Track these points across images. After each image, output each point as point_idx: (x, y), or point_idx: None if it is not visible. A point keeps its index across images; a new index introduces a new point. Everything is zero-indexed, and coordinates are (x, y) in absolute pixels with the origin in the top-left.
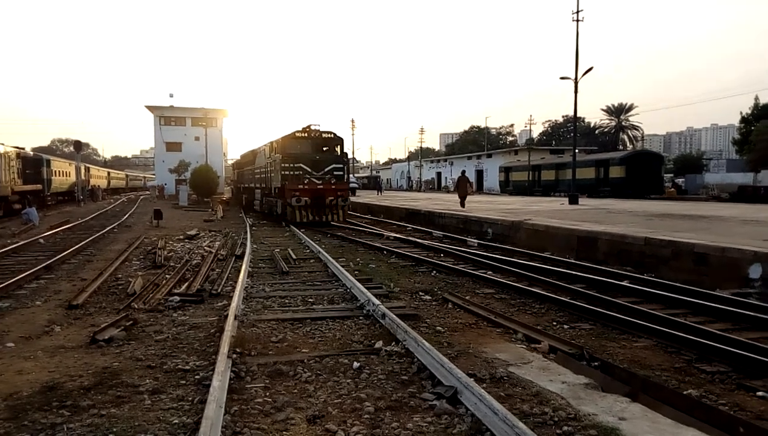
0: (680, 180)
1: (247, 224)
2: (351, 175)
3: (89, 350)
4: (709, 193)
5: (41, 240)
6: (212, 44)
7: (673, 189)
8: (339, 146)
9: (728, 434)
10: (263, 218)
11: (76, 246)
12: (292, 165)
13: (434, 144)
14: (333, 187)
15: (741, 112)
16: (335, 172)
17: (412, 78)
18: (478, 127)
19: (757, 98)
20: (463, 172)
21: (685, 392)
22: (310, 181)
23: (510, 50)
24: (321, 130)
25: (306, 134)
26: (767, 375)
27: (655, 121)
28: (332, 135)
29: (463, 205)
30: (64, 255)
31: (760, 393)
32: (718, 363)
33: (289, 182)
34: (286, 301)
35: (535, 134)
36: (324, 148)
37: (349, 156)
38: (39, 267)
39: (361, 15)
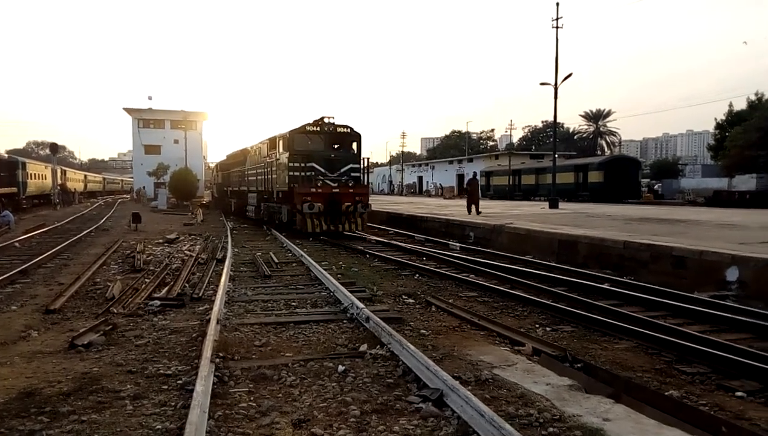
0: (657, 185)
1: (228, 228)
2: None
3: (68, 355)
4: (685, 197)
5: (16, 244)
6: (191, 47)
7: (650, 194)
8: (356, 143)
9: (710, 434)
10: (244, 222)
11: (53, 250)
12: (302, 164)
13: (416, 148)
14: (350, 191)
15: (716, 119)
16: (352, 174)
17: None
18: (459, 131)
19: (731, 105)
20: (475, 174)
21: (666, 393)
22: (323, 183)
23: (491, 56)
24: (336, 123)
25: (318, 128)
26: (745, 376)
27: (632, 127)
28: (348, 130)
29: (477, 211)
30: (41, 259)
31: (738, 393)
32: (697, 364)
33: (298, 185)
34: (269, 305)
35: (516, 139)
36: (339, 145)
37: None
38: (14, 271)
39: (343, 19)
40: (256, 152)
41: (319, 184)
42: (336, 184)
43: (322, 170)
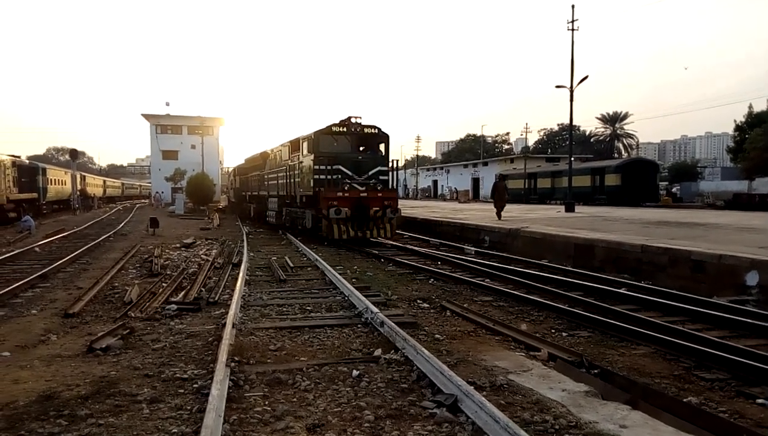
0: (675, 188)
1: (244, 233)
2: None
3: (86, 358)
4: (704, 200)
5: (37, 249)
6: (208, 54)
7: (668, 197)
8: (384, 144)
9: None
10: (260, 227)
11: (72, 255)
12: (328, 167)
13: (430, 152)
14: (379, 195)
15: (735, 120)
16: (381, 177)
17: (408, 87)
18: (474, 135)
19: (751, 106)
20: (501, 177)
21: (685, 400)
22: (351, 187)
23: (505, 59)
24: (363, 123)
25: (345, 129)
26: (766, 382)
27: (650, 129)
28: (376, 130)
29: (499, 216)
30: (60, 264)
31: (759, 400)
32: (717, 370)
33: (324, 189)
34: (284, 309)
35: (531, 142)
36: (366, 147)
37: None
38: (34, 276)
39: (359, 25)
40: (277, 155)
41: (346, 188)
42: (364, 188)
43: (349, 173)
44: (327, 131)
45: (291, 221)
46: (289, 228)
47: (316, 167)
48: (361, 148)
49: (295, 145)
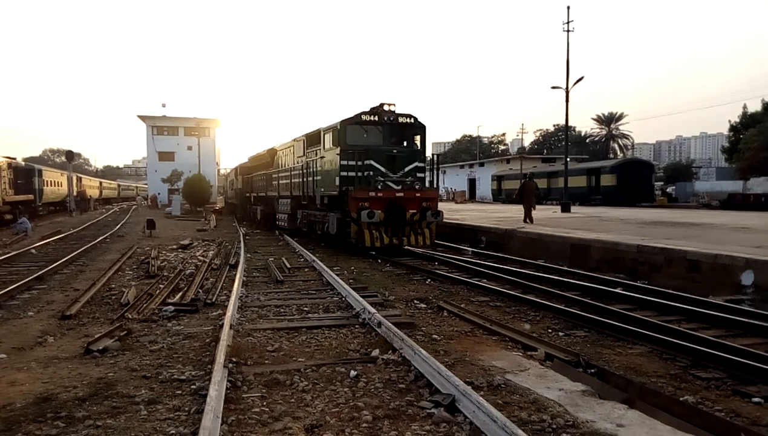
0: (671, 188)
1: (241, 234)
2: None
3: (83, 360)
4: (699, 201)
5: (33, 250)
6: (204, 55)
7: (663, 197)
8: (420, 137)
9: None
10: (256, 227)
11: (69, 256)
12: (358, 163)
13: (426, 153)
14: (417, 195)
15: (730, 121)
16: (418, 174)
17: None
18: (470, 136)
19: (745, 107)
20: (530, 176)
21: (681, 399)
22: (384, 185)
23: (501, 60)
24: (396, 112)
25: (377, 118)
26: (762, 381)
27: (645, 129)
28: (412, 120)
29: (529, 218)
30: (57, 265)
31: (755, 399)
32: (713, 369)
33: (354, 188)
34: (282, 310)
35: (527, 143)
36: (400, 139)
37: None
38: (31, 278)
39: (355, 25)
40: (289, 152)
41: (379, 187)
42: (399, 187)
43: (383, 169)
44: (356, 120)
45: (308, 225)
46: (308, 233)
47: (343, 163)
48: (400, 141)
49: (313, 139)
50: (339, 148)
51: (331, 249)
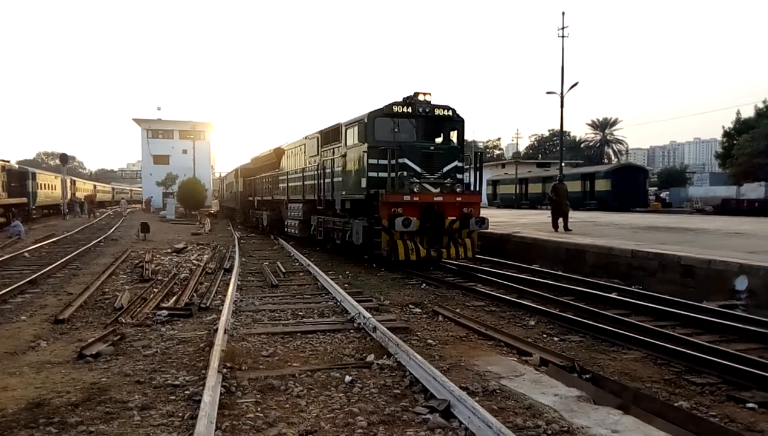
0: (665, 193)
1: (235, 238)
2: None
3: (76, 365)
4: (693, 206)
5: (26, 254)
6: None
7: (657, 202)
8: (457, 133)
9: None
10: (251, 231)
11: (62, 260)
12: (391, 162)
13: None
14: (458, 199)
15: (723, 126)
16: (457, 175)
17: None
18: (466, 140)
19: (738, 112)
20: (560, 178)
21: (676, 404)
22: (421, 188)
23: (497, 65)
24: (432, 103)
25: (410, 109)
26: (756, 386)
27: (639, 135)
28: (450, 112)
29: (565, 227)
30: (50, 269)
31: (749, 404)
32: (707, 375)
33: (386, 192)
34: (276, 314)
35: (522, 148)
36: (437, 135)
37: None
38: (24, 281)
39: (348, 29)
40: (299, 151)
41: (415, 190)
42: (438, 190)
43: (418, 170)
44: (386, 112)
45: (325, 233)
46: (323, 242)
47: (372, 162)
48: (437, 136)
49: (329, 135)
50: (366, 145)
51: (326, 253)
